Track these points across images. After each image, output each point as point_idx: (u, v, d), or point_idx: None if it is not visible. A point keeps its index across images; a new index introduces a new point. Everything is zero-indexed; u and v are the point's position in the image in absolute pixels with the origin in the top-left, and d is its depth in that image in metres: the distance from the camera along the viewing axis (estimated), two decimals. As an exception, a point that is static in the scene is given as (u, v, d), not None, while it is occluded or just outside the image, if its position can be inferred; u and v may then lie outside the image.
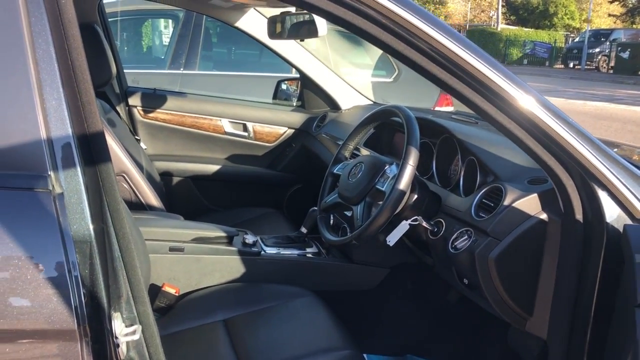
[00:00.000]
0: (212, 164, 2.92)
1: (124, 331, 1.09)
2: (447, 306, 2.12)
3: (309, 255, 2.13)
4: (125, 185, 2.10)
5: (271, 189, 3.01)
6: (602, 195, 1.27)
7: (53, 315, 0.94)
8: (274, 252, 2.09)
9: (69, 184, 1.02)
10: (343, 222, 1.95)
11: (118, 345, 1.07)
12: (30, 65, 1.00)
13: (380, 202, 1.65)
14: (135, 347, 1.14)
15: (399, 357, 2.07)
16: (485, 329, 2.04)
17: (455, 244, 1.56)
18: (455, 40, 1.17)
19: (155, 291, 1.86)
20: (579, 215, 1.31)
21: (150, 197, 2.15)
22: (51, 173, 1.00)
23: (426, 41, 1.15)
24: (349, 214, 1.90)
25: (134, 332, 1.10)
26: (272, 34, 2.21)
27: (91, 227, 1.03)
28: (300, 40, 2.57)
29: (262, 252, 2.06)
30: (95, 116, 1.06)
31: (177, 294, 1.88)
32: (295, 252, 2.12)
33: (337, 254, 2.18)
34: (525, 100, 1.19)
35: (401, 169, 1.59)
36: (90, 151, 1.06)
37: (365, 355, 2.00)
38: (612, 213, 1.27)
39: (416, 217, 1.67)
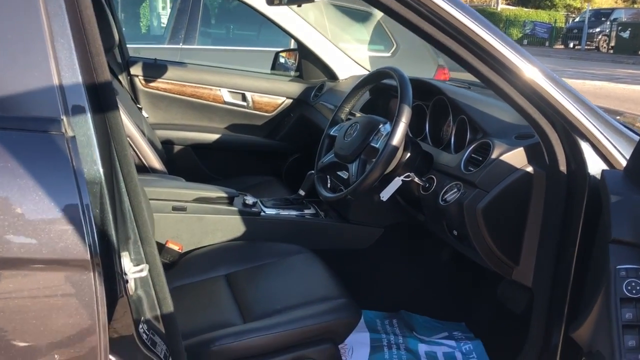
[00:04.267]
0: (212, 132, 2.98)
1: (132, 269, 1.17)
2: (439, 264, 2.20)
3: (307, 216, 2.21)
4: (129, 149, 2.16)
5: (270, 158, 3.07)
6: (585, 147, 1.33)
7: (69, 247, 1.01)
8: (273, 212, 2.17)
9: (80, 129, 1.08)
10: (339, 185, 2.02)
11: (127, 282, 1.15)
12: (43, 17, 1.06)
13: (374, 159, 1.73)
14: (143, 286, 1.22)
15: (392, 312, 2.16)
16: (476, 285, 2.12)
17: (445, 197, 1.63)
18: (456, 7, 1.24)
19: (159, 248, 1.93)
20: (562, 167, 1.37)
21: (153, 160, 2.21)
22: (64, 117, 1.06)
23: (434, 10, 1.22)
24: (344, 175, 1.97)
25: (141, 270, 1.18)
26: (271, 1, 2.25)
27: (101, 170, 1.10)
28: (298, 6, 2.62)
29: (262, 213, 2.13)
30: (103, 66, 1.12)
31: (180, 251, 1.96)
32: (294, 213, 2.19)
33: (334, 216, 2.26)
34: (513, 58, 1.26)
35: (394, 125, 1.66)
36: (99, 99, 1.12)
37: (361, 310, 2.08)
38: (594, 164, 1.33)
39: (408, 173, 1.74)
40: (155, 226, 1.90)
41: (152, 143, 2.51)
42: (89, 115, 1.09)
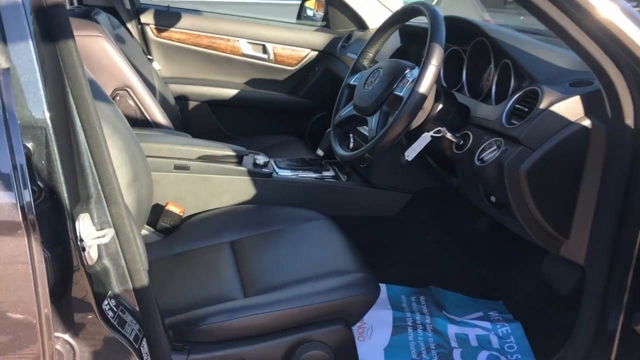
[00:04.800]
0: (230, 88, 2.77)
1: (92, 235, 0.96)
2: (474, 234, 1.95)
3: (326, 179, 1.98)
4: (129, 101, 1.97)
5: (292, 116, 2.85)
6: None
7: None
8: (288, 174, 1.96)
9: (19, 60, 0.88)
10: (362, 142, 1.78)
11: (84, 249, 0.95)
12: None
13: (397, 110, 1.47)
14: (109, 255, 1.02)
15: (420, 288, 1.93)
16: (516, 260, 1.87)
17: (482, 156, 1.38)
18: None
19: (158, 211, 1.75)
20: (629, 120, 1.15)
21: (157, 114, 2.02)
22: (-6, 44, 0.86)
23: None
24: (366, 132, 1.72)
25: (103, 236, 0.97)
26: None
27: (47, 112, 0.90)
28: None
29: (274, 174, 1.93)
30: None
31: (182, 214, 1.77)
32: (311, 175, 1.99)
33: (356, 179, 2.03)
34: None
35: (422, 69, 1.39)
36: (47, 24, 0.91)
37: (384, 285, 1.86)
38: None
39: (439, 128, 1.48)
40: (155, 187, 1.72)
41: (164, 99, 2.32)
42: (30, 43, 0.89)
